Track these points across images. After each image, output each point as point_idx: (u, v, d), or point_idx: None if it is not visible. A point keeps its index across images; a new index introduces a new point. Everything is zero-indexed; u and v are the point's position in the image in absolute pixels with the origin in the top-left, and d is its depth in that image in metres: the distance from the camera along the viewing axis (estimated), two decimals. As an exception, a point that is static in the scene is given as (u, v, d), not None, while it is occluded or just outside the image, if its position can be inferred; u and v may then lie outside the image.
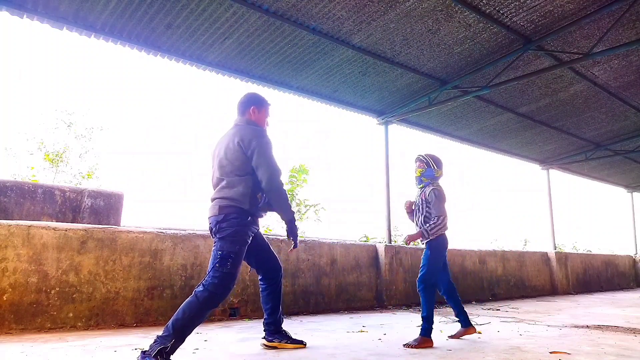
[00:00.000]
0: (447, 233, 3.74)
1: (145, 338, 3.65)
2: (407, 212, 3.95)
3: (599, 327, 4.68)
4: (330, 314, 5.74)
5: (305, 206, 10.81)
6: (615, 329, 4.55)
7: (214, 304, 2.73)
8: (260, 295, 3.35)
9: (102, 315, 4.18)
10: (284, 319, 3.42)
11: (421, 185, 3.82)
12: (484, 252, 8.65)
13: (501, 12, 5.93)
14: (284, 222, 3.19)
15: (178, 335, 2.60)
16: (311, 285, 5.88)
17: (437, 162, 3.81)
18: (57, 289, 3.99)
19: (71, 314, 4.02)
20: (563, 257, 10.51)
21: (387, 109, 8.46)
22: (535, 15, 6.07)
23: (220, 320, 4.85)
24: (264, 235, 3.38)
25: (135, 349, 3.20)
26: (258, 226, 3.11)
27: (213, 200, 2.98)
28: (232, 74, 6.78)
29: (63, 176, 11.90)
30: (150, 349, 2.57)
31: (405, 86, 7.75)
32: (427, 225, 3.63)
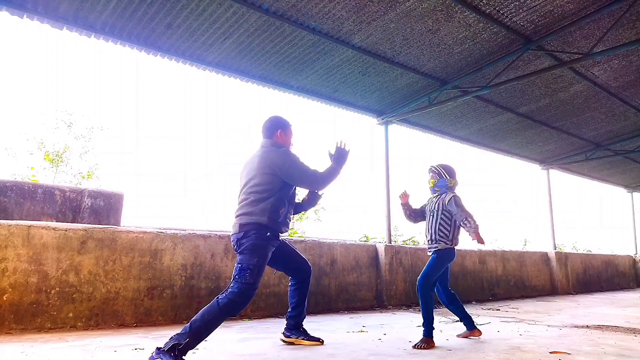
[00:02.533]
0: (455, 245, 3.77)
1: (145, 338, 3.65)
2: (402, 204, 3.96)
3: (599, 327, 4.69)
4: (330, 314, 5.74)
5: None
6: (615, 329, 4.55)
7: (233, 311, 2.84)
8: (288, 290, 3.60)
9: (102, 315, 4.18)
10: (305, 317, 3.58)
11: (436, 194, 3.86)
12: (484, 252, 8.65)
13: (501, 12, 5.93)
14: (343, 173, 3.38)
15: (193, 335, 2.70)
16: (311, 285, 5.86)
17: (450, 172, 3.87)
18: (57, 289, 3.99)
19: (71, 314, 4.02)
20: (563, 257, 10.51)
21: (387, 109, 8.46)
22: (535, 15, 6.07)
23: (220, 320, 4.85)
24: (288, 242, 3.59)
25: (135, 349, 3.20)
26: (279, 240, 3.28)
27: (236, 217, 3.15)
28: (232, 74, 6.77)
29: (63, 176, 11.91)
30: (164, 345, 2.66)
31: (405, 86, 7.75)
32: (468, 226, 3.62)
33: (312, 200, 3.59)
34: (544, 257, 10.21)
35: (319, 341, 3.50)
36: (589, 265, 11.46)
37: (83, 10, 5.25)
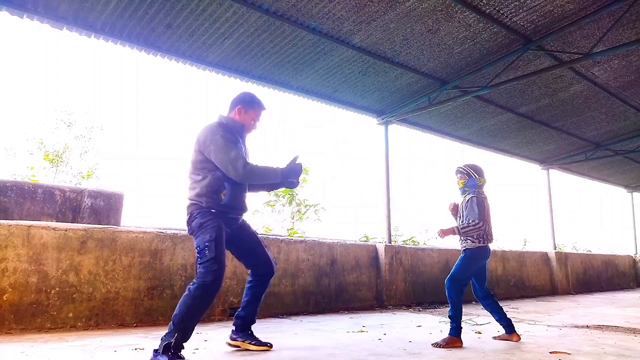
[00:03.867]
0: (491, 245, 3.75)
1: (145, 338, 3.65)
2: (452, 214, 3.96)
3: (599, 327, 4.68)
4: (330, 314, 5.74)
5: (305, 206, 10.82)
6: (615, 329, 4.55)
7: (207, 294, 2.71)
8: (245, 289, 3.27)
9: (102, 315, 4.18)
10: (256, 321, 3.32)
11: (465, 195, 3.85)
12: (484, 252, 8.64)
13: (501, 12, 5.93)
14: (282, 185, 3.14)
15: (180, 330, 2.64)
16: (311, 285, 5.88)
17: (478, 171, 3.84)
18: (57, 289, 3.99)
19: (71, 314, 4.02)
20: (563, 257, 10.51)
21: (387, 109, 8.46)
22: (535, 15, 6.07)
23: (220, 320, 4.85)
24: (255, 232, 3.31)
25: (135, 349, 3.20)
26: (235, 220, 3.05)
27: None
28: (232, 74, 6.77)
29: (63, 176, 11.91)
30: (158, 347, 2.66)
31: (405, 86, 7.75)
32: (461, 225, 3.64)
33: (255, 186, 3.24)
34: (544, 257, 10.21)
35: (268, 346, 3.22)
36: (589, 265, 11.46)
37: (83, 10, 5.24)
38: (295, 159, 3.05)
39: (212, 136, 2.91)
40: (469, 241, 3.69)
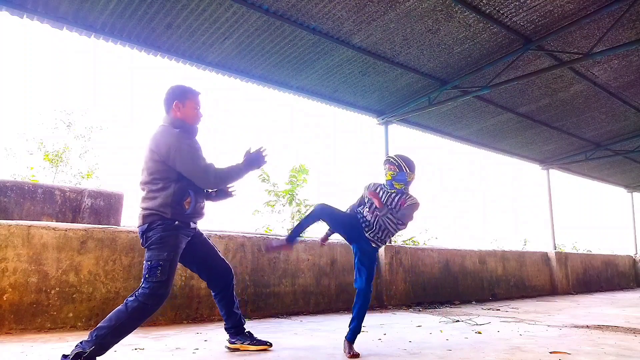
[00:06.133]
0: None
1: (145, 338, 3.65)
2: (370, 197, 3.29)
3: (599, 327, 4.68)
4: (330, 314, 5.74)
5: (305, 206, 10.82)
6: (615, 329, 4.55)
7: (144, 315, 2.59)
8: (215, 301, 3.21)
9: (102, 315, 4.15)
10: (245, 321, 3.31)
11: (393, 191, 3.38)
12: (484, 252, 8.65)
13: (501, 12, 5.93)
14: (247, 177, 2.93)
15: (99, 344, 2.47)
16: (311, 285, 5.88)
17: (410, 165, 3.39)
18: (57, 289, 3.99)
19: (71, 314, 4.02)
20: (563, 257, 10.51)
21: (387, 109, 8.46)
22: (535, 15, 6.07)
23: (220, 320, 4.84)
24: (206, 238, 3.13)
25: (135, 349, 3.20)
26: (193, 229, 2.92)
27: (140, 207, 2.81)
28: (232, 74, 6.77)
29: (63, 176, 11.90)
30: (70, 352, 2.46)
31: (405, 86, 7.75)
32: (396, 225, 3.33)
33: (220, 195, 3.14)
34: (544, 257, 10.21)
35: (266, 345, 3.22)
36: (589, 265, 11.46)
37: (83, 10, 5.25)
38: (250, 149, 2.94)
39: (177, 144, 2.72)
40: (385, 240, 3.40)
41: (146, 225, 2.73)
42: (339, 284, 6.20)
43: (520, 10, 5.93)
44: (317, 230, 6.72)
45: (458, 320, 5.08)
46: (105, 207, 5.72)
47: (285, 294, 5.59)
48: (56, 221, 5.22)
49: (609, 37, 6.53)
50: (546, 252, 10.36)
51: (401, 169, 3.37)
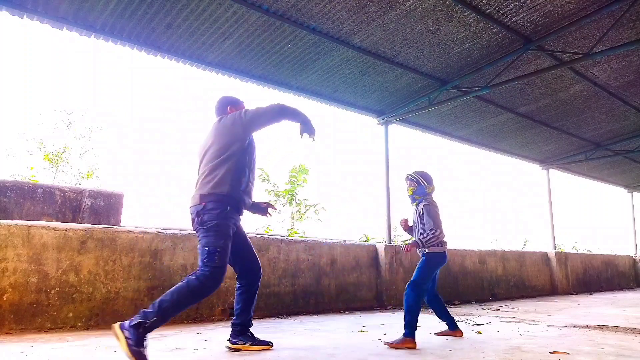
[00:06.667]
0: (446, 250, 3.80)
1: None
2: (405, 230, 4.01)
3: (599, 327, 4.68)
4: (330, 314, 5.74)
5: (305, 206, 10.82)
6: (615, 329, 4.55)
7: (202, 294, 2.80)
8: (235, 294, 3.32)
9: (102, 315, 4.18)
10: (252, 324, 3.36)
11: (415, 203, 3.92)
12: (484, 252, 8.64)
13: (501, 12, 5.93)
14: (300, 125, 3.19)
15: (160, 315, 2.65)
16: (311, 285, 5.88)
17: (427, 179, 3.89)
18: (57, 289, 3.99)
19: (71, 314, 4.02)
20: (563, 257, 10.50)
21: (387, 109, 8.46)
22: (535, 15, 6.07)
23: (220, 320, 4.85)
24: (246, 234, 3.33)
25: (135, 349, 3.20)
26: (239, 218, 3.15)
27: (196, 189, 3.05)
28: (232, 74, 6.77)
29: (63, 176, 11.91)
30: (131, 319, 2.62)
31: (405, 86, 7.75)
32: (422, 236, 3.71)
33: (257, 210, 3.41)
34: (544, 257, 10.21)
35: (268, 345, 3.27)
36: (589, 266, 11.46)
37: (83, 10, 5.25)
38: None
39: (239, 112, 3.11)
40: (432, 247, 3.73)
41: (202, 205, 2.93)
42: (339, 284, 6.20)
43: (520, 10, 5.93)
44: (317, 230, 6.71)
45: (458, 320, 5.08)
46: (105, 207, 5.72)
47: (285, 294, 5.59)
48: (56, 221, 5.22)
49: (609, 37, 6.53)
50: (546, 252, 10.35)
51: (420, 184, 3.87)
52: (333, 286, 6.12)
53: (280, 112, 3.10)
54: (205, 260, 2.82)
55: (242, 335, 3.26)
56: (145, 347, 2.59)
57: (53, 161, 11.75)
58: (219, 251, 2.83)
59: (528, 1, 5.73)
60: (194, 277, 2.77)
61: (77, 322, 4.04)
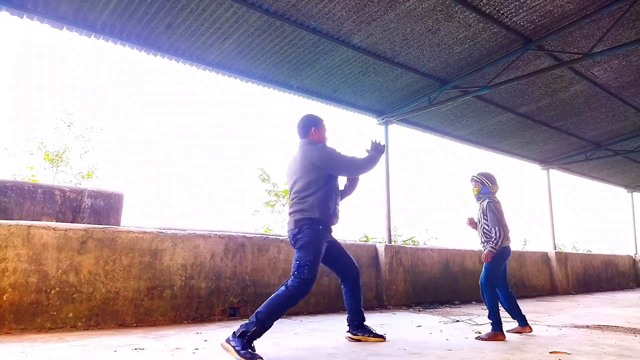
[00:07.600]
0: (510, 244, 4.06)
1: (145, 338, 3.65)
2: (472, 227, 4.27)
3: (599, 327, 4.69)
4: (330, 313, 5.74)
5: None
6: (615, 329, 4.56)
7: (292, 303, 3.11)
8: (344, 296, 3.73)
9: (102, 315, 4.18)
10: (365, 317, 3.77)
11: (480, 202, 4.21)
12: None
13: (501, 12, 5.93)
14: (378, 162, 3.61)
15: (260, 323, 2.96)
16: (311, 285, 5.88)
17: (491, 179, 4.18)
18: (57, 289, 3.99)
19: (71, 314, 4.02)
20: (563, 257, 10.50)
21: (387, 109, 8.46)
22: (535, 15, 6.07)
23: (220, 320, 4.85)
24: (336, 240, 3.69)
25: (136, 349, 3.20)
26: (331, 234, 3.51)
27: (290, 214, 3.42)
28: (232, 74, 6.77)
29: (63, 176, 11.91)
30: (236, 331, 2.95)
31: (405, 86, 7.75)
32: (490, 239, 3.95)
33: (351, 185, 3.76)
34: (544, 257, 10.21)
35: (382, 337, 3.71)
36: (589, 265, 11.46)
37: (83, 10, 5.25)
38: (373, 140, 3.63)
39: (328, 150, 3.45)
40: (487, 242, 4.01)
41: (297, 229, 3.29)
42: (339, 284, 6.19)
43: (520, 10, 5.93)
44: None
45: (458, 320, 5.09)
46: (105, 207, 5.72)
47: (285, 294, 5.58)
48: (56, 221, 5.22)
49: (609, 37, 6.53)
50: (546, 252, 10.35)
51: (484, 184, 4.16)
52: (333, 286, 6.12)
53: (365, 169, 3.51)
54: (296, 272, 3.16)
55: (360, 329, 3.71)
56: (254, 349, 2.92)
57: (53, 161, 11.74)
58: (308, 265, 3.16)
59: (528, 1, 5.73)
60: (284, 287, 3.11)
61: (77, 322, 4.04)
